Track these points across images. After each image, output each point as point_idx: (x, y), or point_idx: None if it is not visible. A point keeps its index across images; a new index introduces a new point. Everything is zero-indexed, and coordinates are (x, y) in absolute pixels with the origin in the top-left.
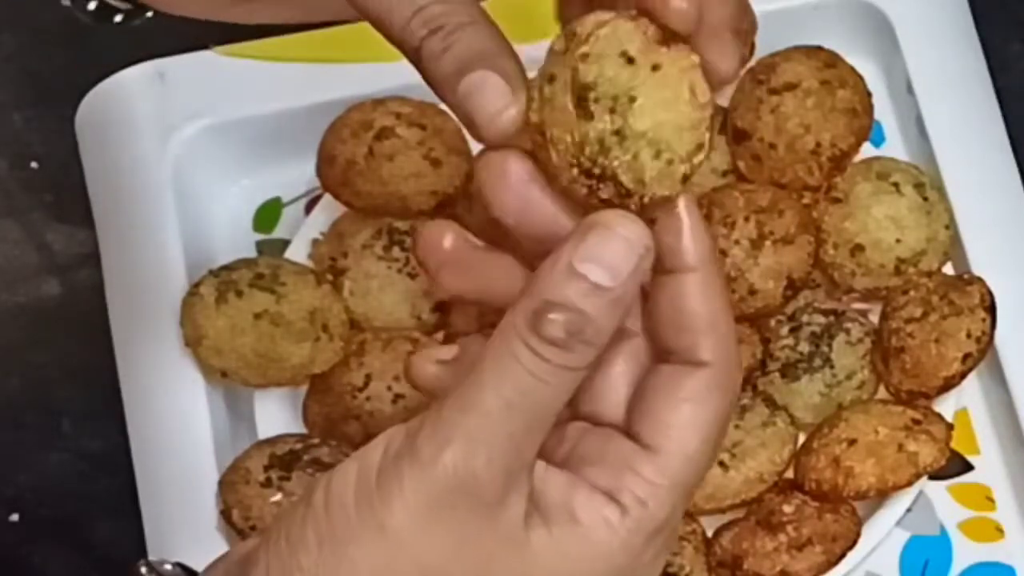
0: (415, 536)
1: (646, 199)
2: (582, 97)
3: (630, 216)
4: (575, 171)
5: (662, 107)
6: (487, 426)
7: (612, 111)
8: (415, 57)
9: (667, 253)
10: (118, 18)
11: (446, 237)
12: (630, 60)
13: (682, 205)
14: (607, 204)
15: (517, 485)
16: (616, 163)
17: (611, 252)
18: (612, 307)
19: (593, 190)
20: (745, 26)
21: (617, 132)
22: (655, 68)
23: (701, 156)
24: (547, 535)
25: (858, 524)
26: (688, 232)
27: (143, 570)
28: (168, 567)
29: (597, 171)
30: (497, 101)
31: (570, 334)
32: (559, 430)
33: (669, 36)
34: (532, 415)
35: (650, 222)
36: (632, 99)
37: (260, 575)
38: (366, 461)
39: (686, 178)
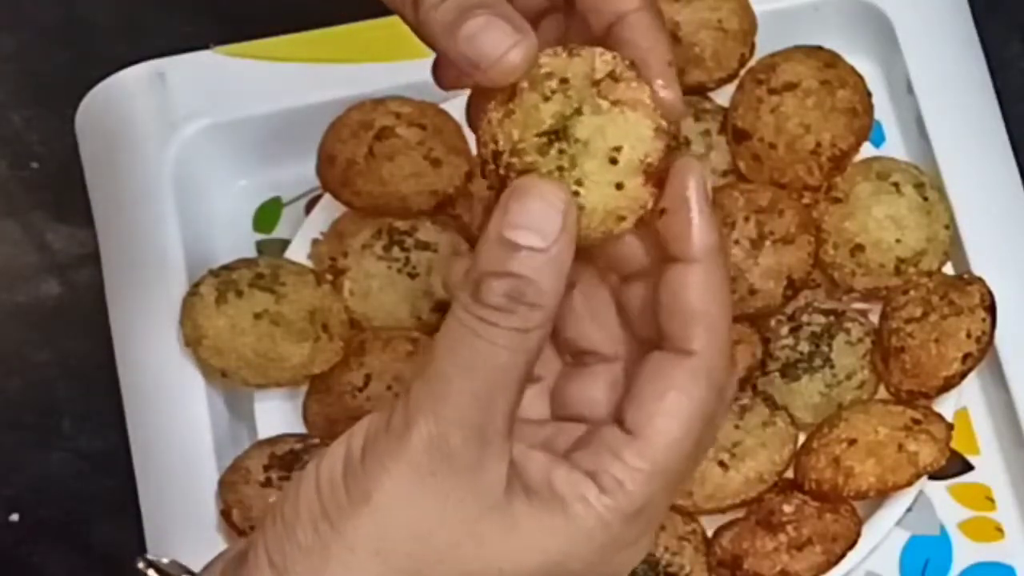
0: (401, 504)
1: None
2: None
3: (545, 179)
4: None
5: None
6: (450, 392)
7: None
8: (412, 11)
9: (673, 241)
10: None
11: None
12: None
13: (693, 197)
14: None
15: (492, 450)
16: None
17: (534, 214)
18: (548, 266)
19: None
20: (672, 57)
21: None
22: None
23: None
24: (527, 505)
25: (858, 524)
26: (696, 224)
27: (140, 565)
28: (166, 561)
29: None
30: (502, 41)
31: (510, 297)
32: (547, 426)
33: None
34: (492, 377)
35: (660, 212)
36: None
37: (259, 557)
38: (352, 442)
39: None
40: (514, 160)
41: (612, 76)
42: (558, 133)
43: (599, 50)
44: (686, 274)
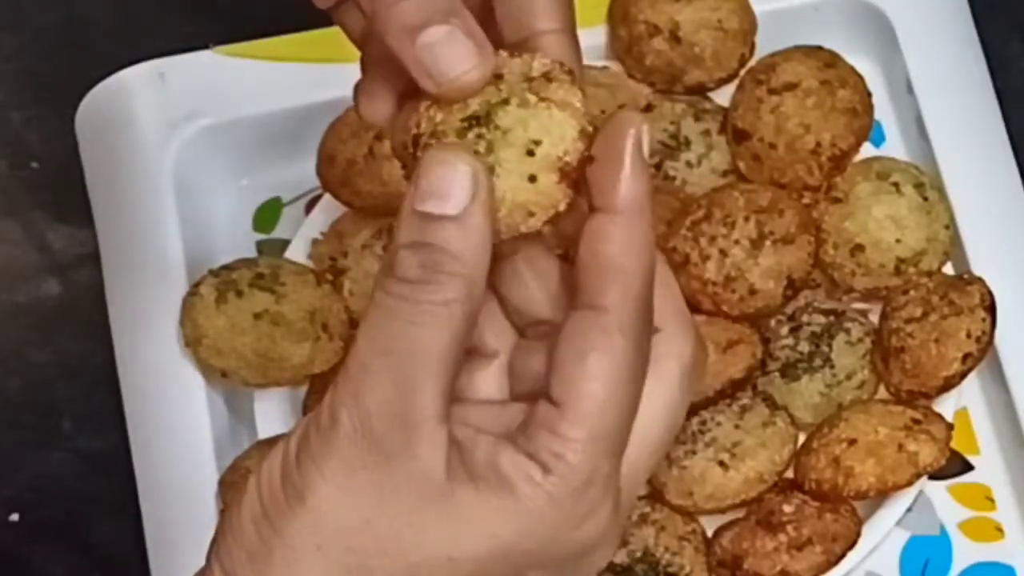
0: (335, 501)
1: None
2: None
3: (451, 147)
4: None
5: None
6: (368, 382)
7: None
8: (372, 3)
9: (598, 192)
10: None
11: None
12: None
13: (628, 147)
14: None
15: (423, 436)
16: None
17: (442, 182)
18: (463, 233)
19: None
20: (573, 24)
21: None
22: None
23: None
24: (473, 490)
25: (858, 524)
26: (626, 174)
27: None
28: None
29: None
30: (464, 61)
31: (425, 267)
32: (509, 408)
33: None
34: (414, 360)
35: (589, 159)
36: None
37: (212, 565)
38: (288, 444)
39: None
40: (432, 142)
41: (547, 76)
42: (480, 119)
43: (540, 54)
44: (606, 225)
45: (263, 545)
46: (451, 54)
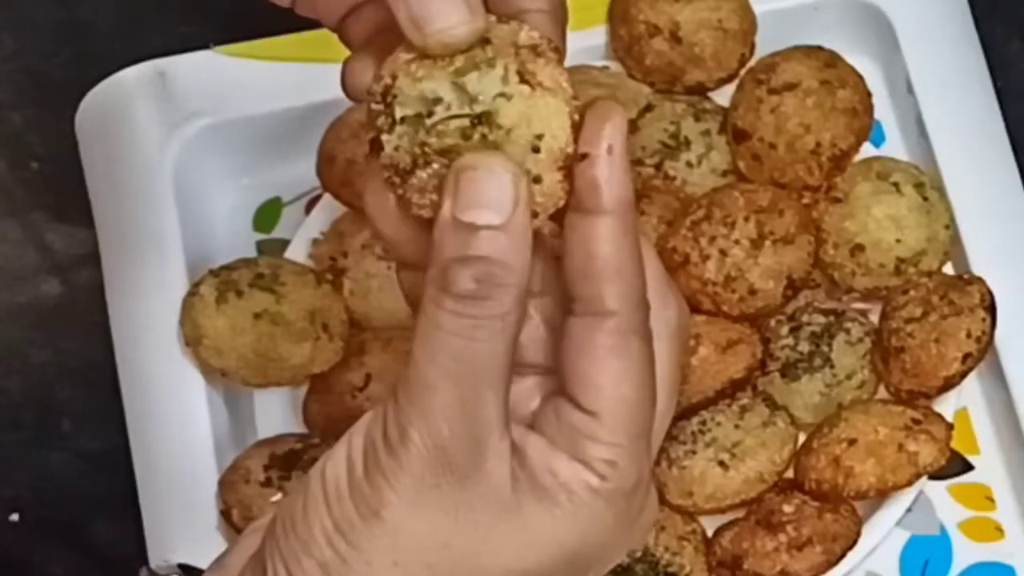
0: (411, 519)
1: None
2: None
3: (486, 151)
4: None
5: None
6: (436, 402)
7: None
8: None
9: (584, 192)
10: None
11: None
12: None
13: (604, 148)
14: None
15: (491, 450)
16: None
17: (485, 190)
18: (512, 242)
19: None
20: (562, 14)
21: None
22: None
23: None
24: (536, 501)
25: (858, 524)
26: (606, 174)
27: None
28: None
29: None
30: (455, 16)
31: (480, 281)
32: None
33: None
34: (477, 376)
35: (581, 156)
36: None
37: (278, 568)
38: (353, 450)
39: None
40: (432, 140)
41: (534, 49)
42: (481, 118)
43: (527, 25)
44: (599, 228)
45: (338, 558)
46: (444, 7)
